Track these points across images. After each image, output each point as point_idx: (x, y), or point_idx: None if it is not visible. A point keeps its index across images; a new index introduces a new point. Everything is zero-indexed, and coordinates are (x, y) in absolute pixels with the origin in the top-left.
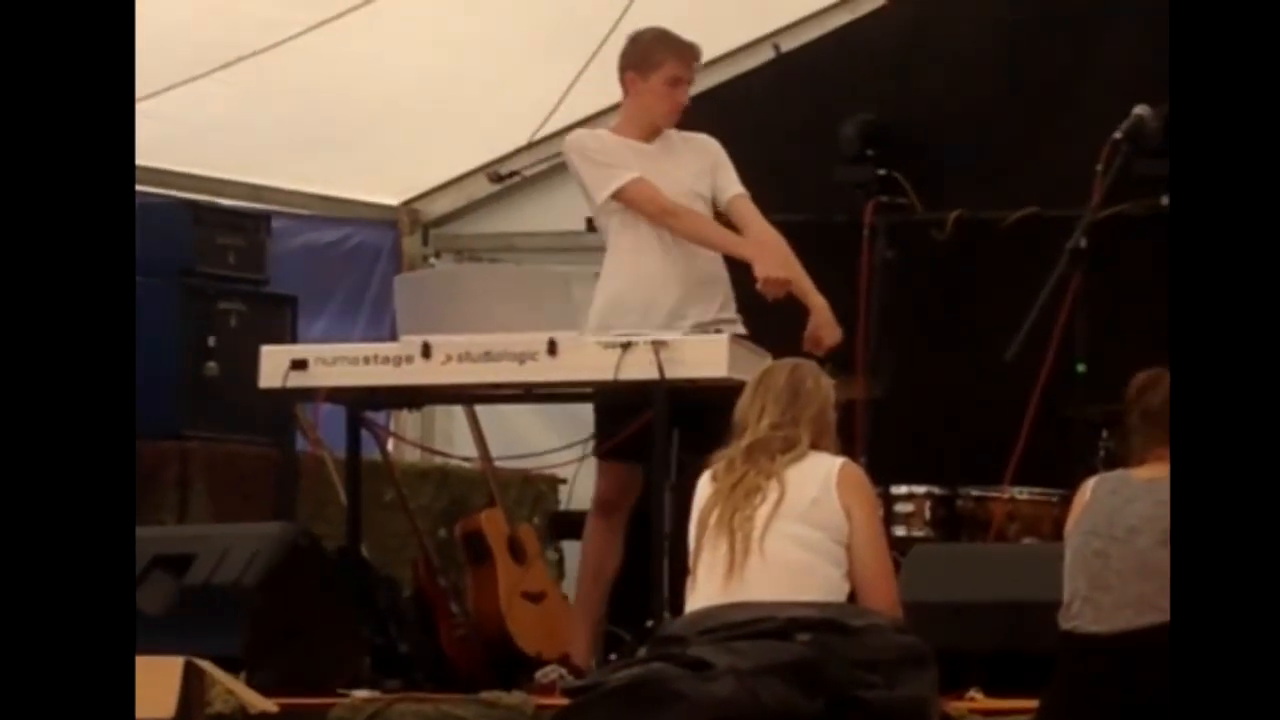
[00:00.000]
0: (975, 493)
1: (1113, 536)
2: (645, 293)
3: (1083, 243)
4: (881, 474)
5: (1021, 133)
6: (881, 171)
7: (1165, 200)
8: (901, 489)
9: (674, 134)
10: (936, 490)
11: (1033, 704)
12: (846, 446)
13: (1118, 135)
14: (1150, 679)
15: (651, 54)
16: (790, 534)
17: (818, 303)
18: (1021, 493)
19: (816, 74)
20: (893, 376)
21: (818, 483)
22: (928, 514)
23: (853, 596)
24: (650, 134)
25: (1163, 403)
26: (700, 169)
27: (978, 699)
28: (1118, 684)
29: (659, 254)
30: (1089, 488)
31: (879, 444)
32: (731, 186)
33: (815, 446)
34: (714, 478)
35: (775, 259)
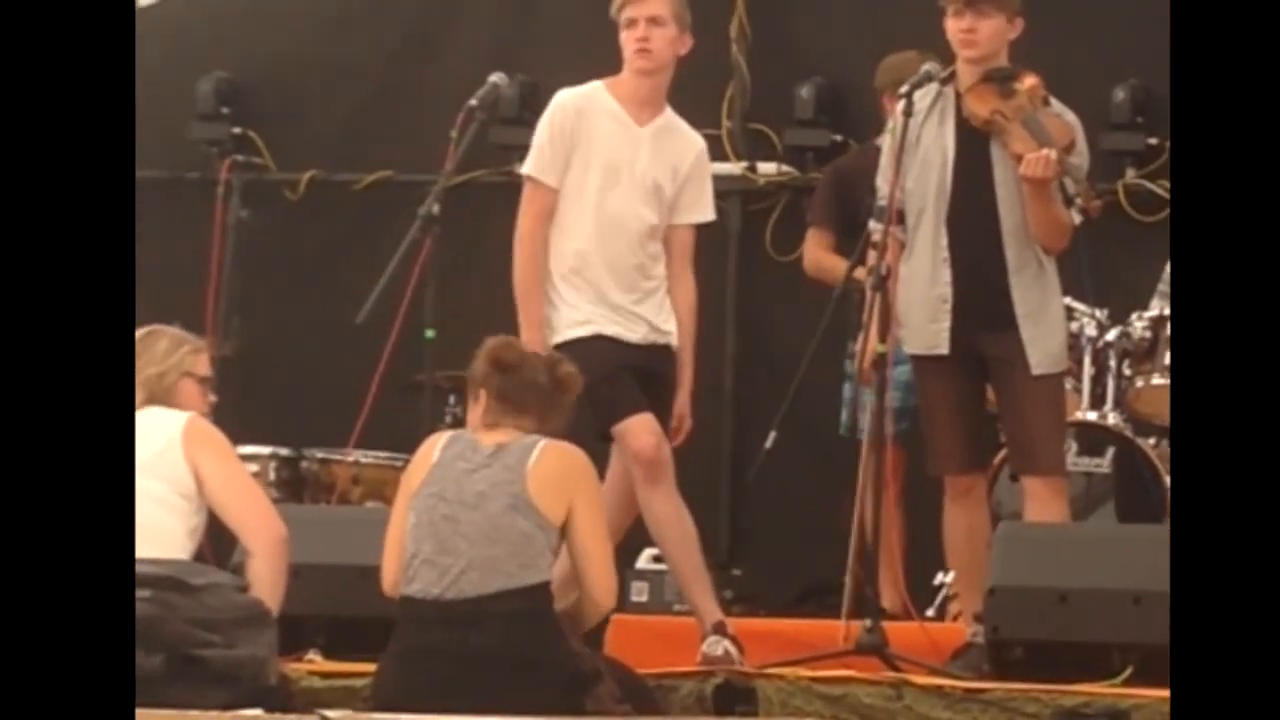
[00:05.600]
0: (320, 455)
1: (462, 502)
2: None
3: (435, 208)
4: (228, 434)
5: (378, 95)
6: (236, 130)
7: (519, 169)
8: (247, 449)
9: (676, 123)
10: (282, 451)
11: (371, 667)
12: None
13: (473, 102)
14: (484, 643)
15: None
16: (137, 487)
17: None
18: (366, 456)
19: (173, 30)
20: (242, 336)
21: (164, 436)
22: (272, 475)
23: (200, 556)
24: (639, 88)
25: (551, 380)
26: (673, 169)
27: (317, 661)
28: (453, 648)
29: None
30: (437, 446)
31: (226, 403)
32: (681, 212)
33: (155, 402)
34: None
35: None
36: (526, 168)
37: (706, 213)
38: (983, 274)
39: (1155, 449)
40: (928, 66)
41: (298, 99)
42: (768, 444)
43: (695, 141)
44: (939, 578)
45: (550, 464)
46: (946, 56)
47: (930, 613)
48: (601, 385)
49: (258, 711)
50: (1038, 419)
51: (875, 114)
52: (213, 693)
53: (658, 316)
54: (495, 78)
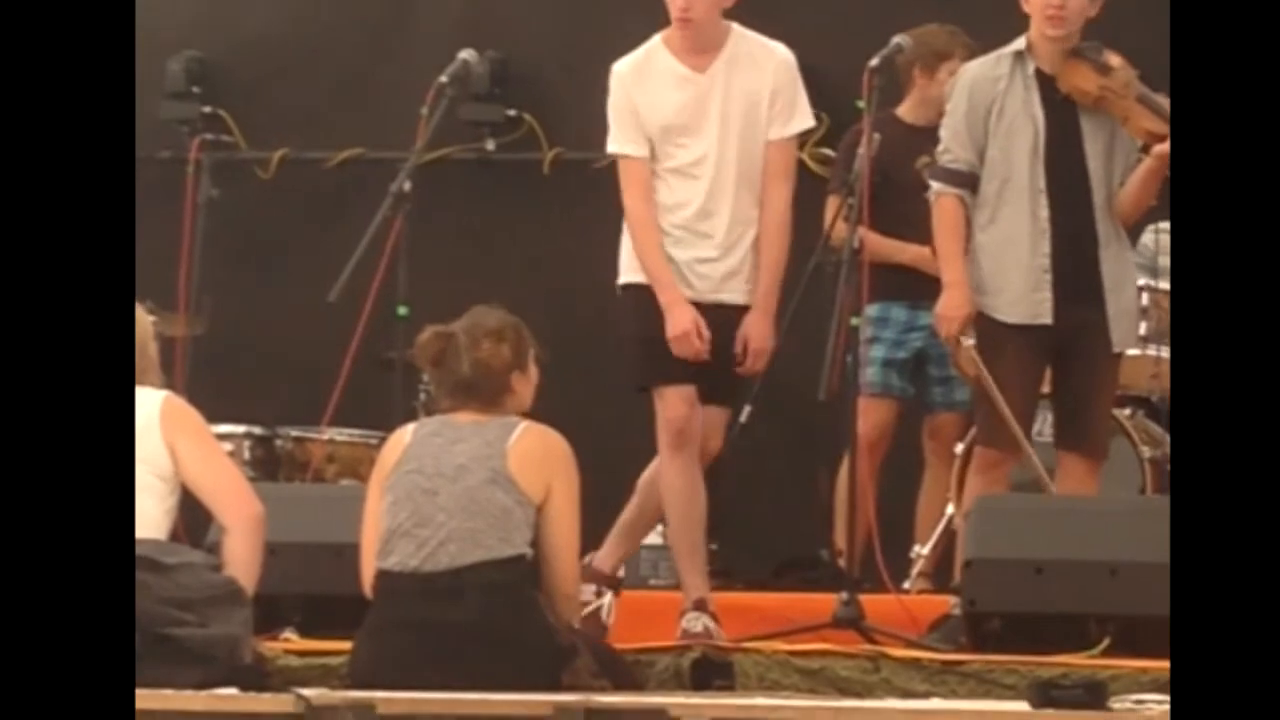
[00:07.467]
0: (295, 433)
1: (440, 474)
2: None
3: (406, 185)
4: (201, 413)
5: (348, 73)
6: (207, 109)
7: (490, 145)
8: (221, 428)
9: (747, 44)
10: (256, 430)
11: (347, 645)
12: (166, 384)
13: (443, 79)
14: (462, 617)
15: None
16: None
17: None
18: (340, 434)
19: (143, 8)
20: (214, 314)
21: (143, 417)
22: (246, 453)
23: (175, 536)
24: (689, 39)
25: (506, 364)
26: (754, 94)
27: (292, 639)
28: (430, 621)
29: None
30: (408, 431)
31: (199, 382)
32: (776, 126)
33: (139, 381)
34: None
35: (682, 316)
36: (610, 147)
37: (797, 122)
38: (1079, 246)
39: (1131, 420)
40: (897, 39)
41: (268, 77)
42: (742, 417)
43: (773, 54)
44: (915, 549)
45: (531, 443)
46: (925, 35)
47: (906, 585)
48: (653, 341)
49: (233, 690)
50: (1102, 398)
51: (851, 91)
52: (187, 671)
53: (725, 279)
54: (465, 54)
